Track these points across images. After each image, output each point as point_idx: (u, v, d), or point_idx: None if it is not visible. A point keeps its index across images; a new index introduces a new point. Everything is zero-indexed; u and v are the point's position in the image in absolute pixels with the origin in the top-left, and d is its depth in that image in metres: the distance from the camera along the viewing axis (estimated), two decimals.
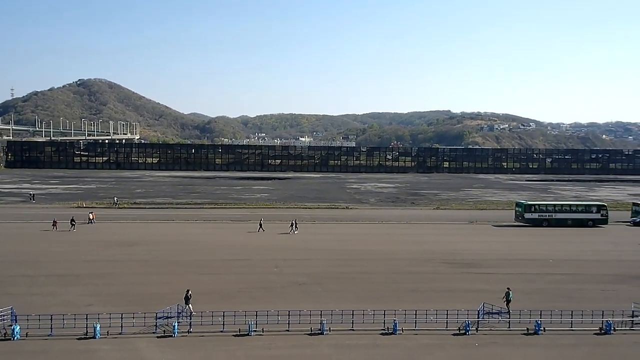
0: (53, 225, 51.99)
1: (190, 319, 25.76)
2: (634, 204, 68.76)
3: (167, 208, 71.86)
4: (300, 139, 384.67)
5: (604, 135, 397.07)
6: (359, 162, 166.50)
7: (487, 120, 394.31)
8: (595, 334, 25.68)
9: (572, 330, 25.89)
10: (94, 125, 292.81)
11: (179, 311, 26.63)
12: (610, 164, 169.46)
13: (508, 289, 28.49)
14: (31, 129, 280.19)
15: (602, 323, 26.00)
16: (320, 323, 25.03)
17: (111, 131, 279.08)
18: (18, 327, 23.88)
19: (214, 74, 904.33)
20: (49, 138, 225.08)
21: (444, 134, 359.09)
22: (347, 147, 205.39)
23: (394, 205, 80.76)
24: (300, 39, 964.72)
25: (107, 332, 24.17)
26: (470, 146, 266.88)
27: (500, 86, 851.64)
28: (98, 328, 23.91)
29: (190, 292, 27.47)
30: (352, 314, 25.61)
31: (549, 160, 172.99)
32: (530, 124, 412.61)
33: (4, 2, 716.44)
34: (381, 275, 36.31)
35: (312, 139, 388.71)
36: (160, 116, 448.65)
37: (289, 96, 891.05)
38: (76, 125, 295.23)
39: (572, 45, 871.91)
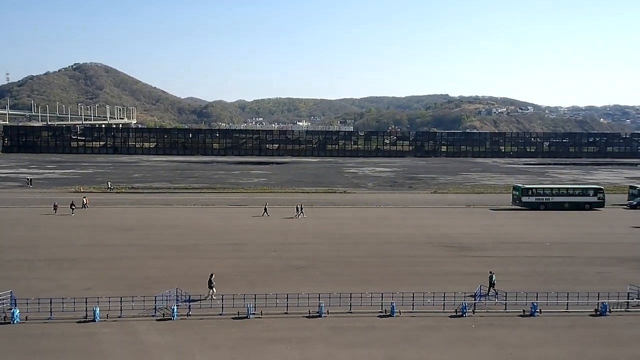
0: (54, 208, 52.41)
1: (211, 299, 26.12)
2: (630, 187, 69.02)
3: (164, 193, 71.86)
4: (298, 123, 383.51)
5: (601, 119, 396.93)
6: (356, 146, 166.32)
7: (485, 104, 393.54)
8: (590, 315, 25.93)
9: (567, 312, 26.14)
10: (90, 110, 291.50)
11: (205, 296, 26.81)
12: (608, 148, 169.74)
13: (491, 272, 28.59)
14: (27, 114, 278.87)
15: (598, 305, 26.24)
16: (319, 306, 25.21)
17: (108, 116, 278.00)
18: (18, 311, 23.99)
19: (211, 58, 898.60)
20: (45, 123, 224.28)
21: (441, 118, 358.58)
22: (345, 131, 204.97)
23: (391, 189, 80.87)
24: (298, 22, 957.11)
25: (107, 315, 24.30)
26: (468, 130, 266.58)
27: (499, 70, 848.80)
28: (97, 311, 24.04)
29: (213, 275, 27.56)
30: (350, 297, 25.79)
31: (546, 144, 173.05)
32: (528, 107, 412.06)
33: None
34: (379, 258, 36.50)
35: (309, 124, 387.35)
36: (157, 101, 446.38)
37: (287, 80, 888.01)
38: (72, 110, 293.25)
39: (571, 28, 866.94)
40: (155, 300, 25.21)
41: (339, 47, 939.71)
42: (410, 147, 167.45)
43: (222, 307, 25.22)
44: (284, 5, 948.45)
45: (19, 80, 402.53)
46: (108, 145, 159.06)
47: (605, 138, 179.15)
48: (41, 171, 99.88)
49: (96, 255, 36.35)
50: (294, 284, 29.38)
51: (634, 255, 38.03)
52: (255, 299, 25.45)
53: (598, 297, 26.61)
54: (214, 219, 51.62)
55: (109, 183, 75.84)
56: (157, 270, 32.79)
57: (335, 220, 51.68)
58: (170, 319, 24.43)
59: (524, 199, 60.66)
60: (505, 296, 26.72)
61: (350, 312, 25.45)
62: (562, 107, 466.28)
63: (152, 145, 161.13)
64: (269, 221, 50.42)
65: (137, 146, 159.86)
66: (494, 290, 27.96)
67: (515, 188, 63.45)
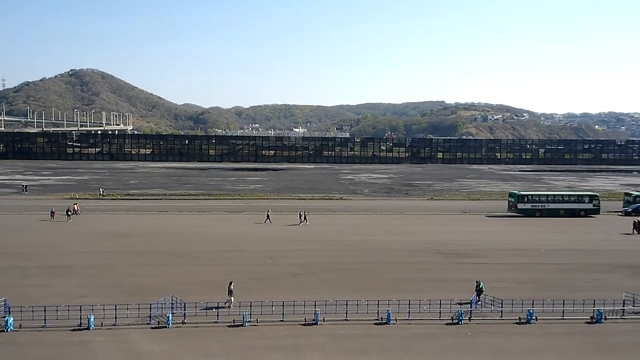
0: (51, 215, 52.26)
1: (229, 307, 26.08)
2: (625, 193, 69.32)
3: (160, 199, 71.67)
4: (294, 129, 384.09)
5: (596, 126, 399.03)
6: (353, 152, 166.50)
7: (480, 111, 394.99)
8: (586, 322, 25.94)
9: (563, 319, 26.14)
10: (86, 116, 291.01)
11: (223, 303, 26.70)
12: (603, 154, 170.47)
13: (477, 281, 28.44)
14: (23, 120, 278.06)
15: (594, 312, 26.26)
16: (315, 313, 25.13)
17: (104, 122, 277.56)
18: (11, 319, 23.79)
19: (207, 65, 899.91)
20: (41, 129, 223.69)
21: (437, 125, 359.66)
22: (341, 137, 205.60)
23: (387, 196, 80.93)
24: (293, 28, 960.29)
25: (101, 323, 24.14)
26: (464, 137, 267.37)
27: (495, 77, 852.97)
28: (92, 319, 23.89)
29: (232, 284, 27.43)
30: (346, 304, 25.73)
31: (542, 150, 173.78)
32: (524, 114, 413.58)
33: None
34: (375, 265, 36.46)
35: (306, 130, 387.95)
36: (153, 107, 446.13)
37: (283, 86, 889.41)
38: (68, 116, 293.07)
39: (567, 35, 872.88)
40: (150, 308, 25.07)
41: (335, 53, 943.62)
42: (407, 154, 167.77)
43: (218, 315, 25.10)
44: (282, 10, 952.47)
45: (14, 87, 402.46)
46: (104, 152, 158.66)
47: (600, 145, 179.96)
48: (36, 177, 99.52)
49: (91, 262, 36.16)
50: (290, 291, 29.28)
51: (629, 262, 38.12)
52: (250, 306, 25.34)
53: (594, 304, 26.64)
54: (210, 226, 51.49)
55: (101, 189, 75.71)
56: (152, 277, 32.64)
57: (332, 227, 51.63)
58: (165, 326, 24.29)
59: (520, 205, 60.80)
60: (502, 303, 26.69)
61: (347, 320, 25.38)
62: (557, 114, 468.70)
63: (148, 151, 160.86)
64: (266, 228, 50.33)
65: (133, 152, 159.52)
66: (477, 297, 27.82)
67: (511, 195, 63.61)
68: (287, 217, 55.31)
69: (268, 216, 53.08)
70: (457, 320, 25.50)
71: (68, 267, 34.62)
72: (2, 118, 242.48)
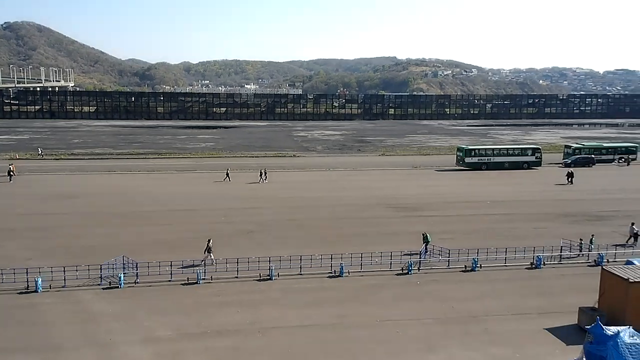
0: None
1: (208, 266, 25.88)
2: (565, 146, 72.69)
3: (107, 159, 69.41)
4: (245, 86, 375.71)
5: (540, 81, 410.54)
6: (305, 109, 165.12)
7: (431, 67, 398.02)
8: (527, 268, 27.55)
9: (506, 266, 27.65)
10: (23, 72, 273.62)
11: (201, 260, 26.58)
12: (546, 109, 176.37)
13: (423, 233, 29.35)
14: None
15: (533, 258, 27.88)
16: (269, 269, 25.44)
17: (43, 78, 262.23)
18: None
19: (153, 17, 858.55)
20: None
21: (389, 81, 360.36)
22: (294, 94, 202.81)
23: (340, 152, 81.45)
24: None
25: (50, 285, 23.61)
26: (415, 93, 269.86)
27: (444, 32, 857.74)
28: (39, 281, 23.30)
29: (211, 241, 27.25)
30: (300, 259, 26.17)
31: (489, 105, 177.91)
32: (473, 70, 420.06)
33: None
34: (328, 221, 37.01)
35: (257, 87, 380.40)
36: (95, 62, 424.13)
37: (233, 41, 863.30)
38: (4, 72, 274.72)
39: None
40: (100, 269, 24.65)
41: (286, 5, 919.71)
42: (359, 110, 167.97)
43: (171, 274, 24.98)
44: None
45: None
46: (44, 110, 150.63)
47: (543, 100, 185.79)
48: None
49: (36, 224, 34.95)
50: (244, 249, 29.42)
51: (567, 211, 40.33)
52: (204, 264, 25.32)
53: (534, 251, 28.26)
54: (161, 186, 50.49)
55: (39, 149, 72.11)
56: (101, 238, 31.95)
57: (285, 184, 51.72)
58: (117, 287, 24.01)
59: (467, 159, 62.67)
60: (449, 253, 27.84)
61: (301, 274, 25.87)
62: (504, 70, 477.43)
63: (92, 109, 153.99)
64: (222, 187, 49.85)
65: (75, 110, 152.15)
66: (425, 248, 28.84)
67: (459, 149, 65.35)
68: (246, 175, 54.88)
69: (227, 174, 52.50)
70: (407, 271, 26.47)
71: (11, 230, 33.36)
72: None
